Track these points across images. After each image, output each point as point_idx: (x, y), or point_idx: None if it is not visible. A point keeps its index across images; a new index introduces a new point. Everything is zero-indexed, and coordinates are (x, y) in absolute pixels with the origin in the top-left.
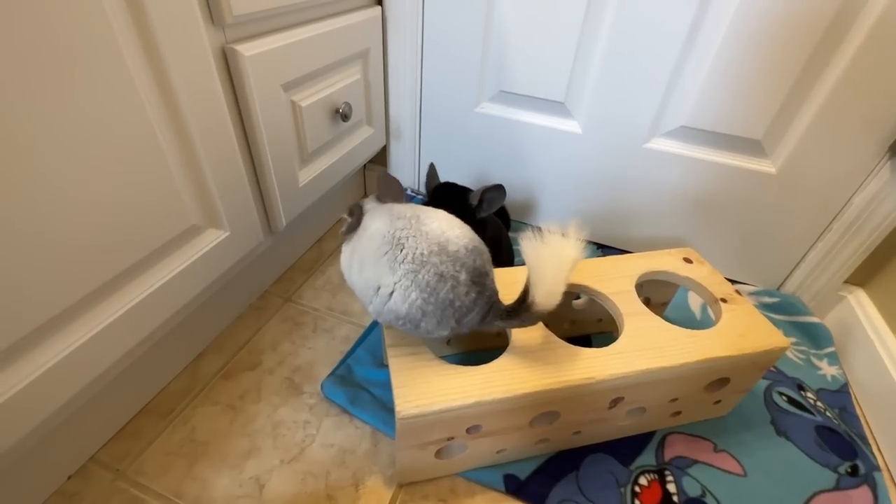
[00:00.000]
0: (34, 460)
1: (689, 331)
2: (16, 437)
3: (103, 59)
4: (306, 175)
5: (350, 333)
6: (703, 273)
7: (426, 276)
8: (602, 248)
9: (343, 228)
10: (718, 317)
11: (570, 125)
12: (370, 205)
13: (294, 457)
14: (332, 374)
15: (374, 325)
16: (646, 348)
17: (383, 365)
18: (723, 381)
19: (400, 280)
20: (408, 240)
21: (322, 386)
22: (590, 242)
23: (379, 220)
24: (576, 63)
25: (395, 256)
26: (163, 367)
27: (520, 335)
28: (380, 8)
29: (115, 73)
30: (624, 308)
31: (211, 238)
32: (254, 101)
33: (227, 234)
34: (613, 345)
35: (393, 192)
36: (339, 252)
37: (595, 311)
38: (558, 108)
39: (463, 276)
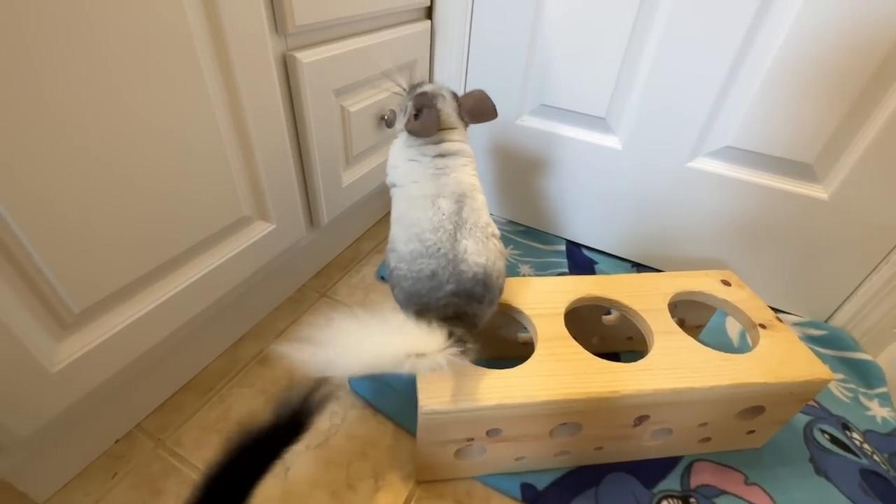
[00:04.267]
0: (89, 421)
1: (722, 353)
2: (79, 394)
3: (182, 60)
4: (349, 177)
5: None
6: (742, 297)
7: (426, 264)
8: (637, 267)
9: (413, 120)
10: (756, 342)
11: (611, 141)
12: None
13: (319, 444)
14: None
15: None
16: (675, 367)
17: None
18: (757, 410)
19: (412, 251)
20: (437, 232)
21: (349, 379)
22: (623, 260)
23: (443, 199)
24: (619, 79)
25: (421, 235)
26: (205, 347)
27: (546, 343)
28: (429, 22)
29: (191, 72)
30: (655, 325)
31: (259, 229)
32: (307, 105)
33: (273, 226)
34: (641, 361)
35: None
36: (375, 252)
37: (626, 328)
38: (599, 123)
39: (449, 288)
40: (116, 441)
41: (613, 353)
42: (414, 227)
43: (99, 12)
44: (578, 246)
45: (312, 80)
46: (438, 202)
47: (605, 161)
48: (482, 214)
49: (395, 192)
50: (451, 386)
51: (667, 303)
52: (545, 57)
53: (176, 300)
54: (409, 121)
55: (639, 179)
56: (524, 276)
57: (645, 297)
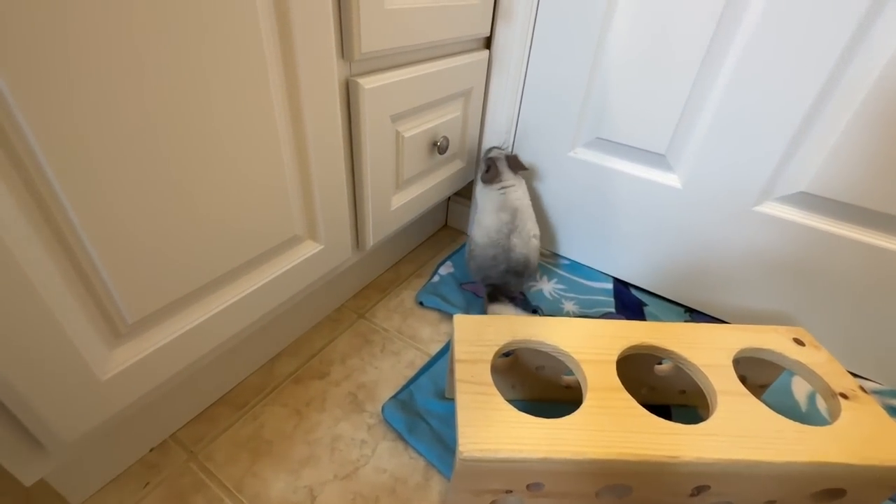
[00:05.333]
0: (128, 427)
1: (798, 424)
2: (124, 404)
3: (253, 82)
4: (398, 200)
5: (415, 359)
6: (818, 359)
7: (490, 251)
8: (690, 313)
9: (480, 174)
10: (836, 415)
11: (670, 179)
12: (503, 165)
13: (348, 474)
14: (393, 397)
15: (440, 354)
16: (743, 435)
17: (445, 398)
18: (836, 493)
19: (483, 242)
20: (499, 233)
21: (383, 408)
22: (675, 304)
23: (503, 212)
24: (683, 114)
25: (489, 233)
26: (243, 361)
27: (596, 393)
28: (488, 51)
29: (260, 95)
30: (718, 384)
31: (308, 249)
32: (365, 129)
33: (321, 247)
34: (704, 424)
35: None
36: (415, 277)
37: (679, 380)
38: (658, 159)
39: (503, 267)
40: (151, 449)
41: (663, 405)
42: (485, 227)
43: (181, 34)
44: (626, 285)
45: (372, 106)
46: (500, 214)
47: (662, 199)
48: (528, 223)
49: (474, 209)
50: (493, 432)
51: (731, 359)
52: (604, 90)
53: (223, 315)
54: (483, 173)
55: (698, 221)
56: (568, 313)
57: (706, 351)
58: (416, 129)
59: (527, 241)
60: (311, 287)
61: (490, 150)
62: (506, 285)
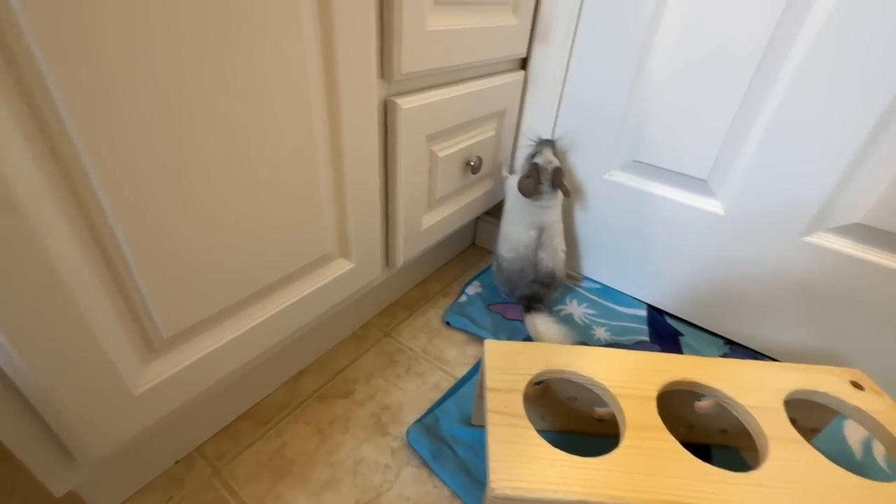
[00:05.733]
0: (155, 440)
1: (860, 479)
2: (155, 418)
3: (295, 102)
4: (430, 219)
5: (441, 382)
6: (879, 406)
7: (518, 264)
8: (730, 345)
9: (524, 179)
10: None
11: (711, 205)
12: (546, 180)
13: (370, 500)
14: (419, 421)
15: (466, 378)
16: (798, 489)
17: (471, 424)
18: None
19: (511, 257)
20: (527, 248)
21: (408, 432)
22: (714, 335)
23: (532, 229)
24: (728, 138)
25: (517, 247)
26: (267, 377)
27: (636, 432)
28: (523, 72)
29: (301, 114)
30: (769, 429)
31: (339, 267)
32: (401, 148)
33: (352, 265)
34: (754, 473)
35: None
36: (442, 296)
37: (721, 419)
38: (699, 185)
39: (530, 278)
40: (176, 462)
41: (703, 444)
42: (513, 241)
43: (230, 46)
44: (661, 313)
45: (409, 126)
46: (529, 231)
47: (703, 225)
48: (555, 239)
49: (505, 214)
50: (527, 469)
51: (782, 400)
52: (643, 113)
53: (255, 332)
54: (521, 178)
55: (742, 250)
56: (599, 339)
57: (755, 391)
58: (451, 148)
59: (553, 255)
60: (340, 305)
61: (539, 146)
62: (534, 295)
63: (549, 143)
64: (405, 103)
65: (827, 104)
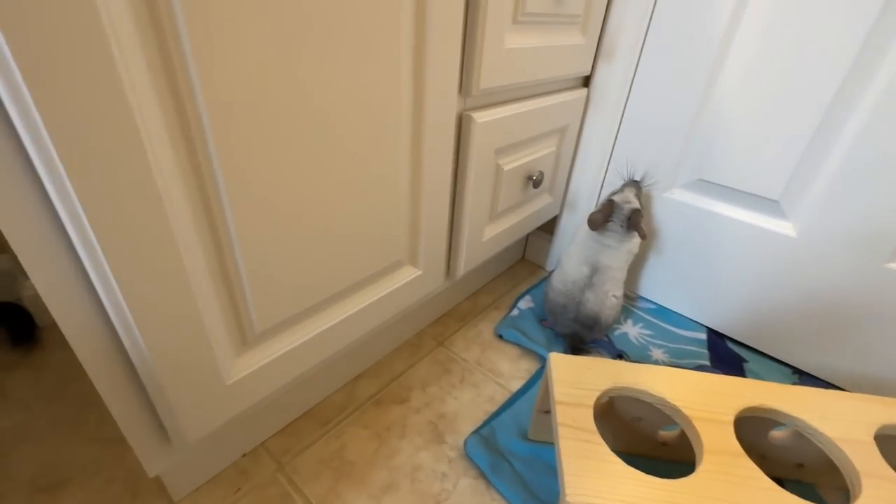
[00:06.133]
0: (227, 431)
1: None
2: (241, 408)
3: (388, 107)
4: (491, 231)
5: (495, 394)
6: None
7: (562, 298)
8: (799, 374)
9: (596, 213)
10: None
11: (783, 227)
12: (618, 220)
13: None
14: (476, 431)
15: (522, 392)
16: None
17: (528, 439)
18: None
19: (559, 289)
20: (576, 284)
21: (465, 442)
22: (781, 363)
23: (585, 266)
24: (804, 158)
25: (566, 281)
26: (328, 379)
27: (715, 457)
28: (586, 90)
29: (390, 121)
30: (860, 464)
31: (407, 274)
32: (472, 161)
33: (419, 272)
34: None
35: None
36: (493, 308)
37: (798, 451)
38: (770, 206)
39: (571, 316)
40: (244, 455)
41: (775, 478)
42: (565, 273)
43: (336, 61)
44: (723, 337)
45: (481, 139)
46: (581, 267)
47: (772, 249)
48: (608, 283)
49: (569, 245)
50: (603, 485)
51: (872, 433)
52: (711, 130)
53: (330, 332)
54: (595, 211)
55: (815, 274)
56: (657, 361)
57: (842, 423)
58: (515, 162)
59: (601, 299)
60: (406, 311)
61: (625, 185)
62: (575, 334)
63: (634, 184)
64: (480, 117)
65: None
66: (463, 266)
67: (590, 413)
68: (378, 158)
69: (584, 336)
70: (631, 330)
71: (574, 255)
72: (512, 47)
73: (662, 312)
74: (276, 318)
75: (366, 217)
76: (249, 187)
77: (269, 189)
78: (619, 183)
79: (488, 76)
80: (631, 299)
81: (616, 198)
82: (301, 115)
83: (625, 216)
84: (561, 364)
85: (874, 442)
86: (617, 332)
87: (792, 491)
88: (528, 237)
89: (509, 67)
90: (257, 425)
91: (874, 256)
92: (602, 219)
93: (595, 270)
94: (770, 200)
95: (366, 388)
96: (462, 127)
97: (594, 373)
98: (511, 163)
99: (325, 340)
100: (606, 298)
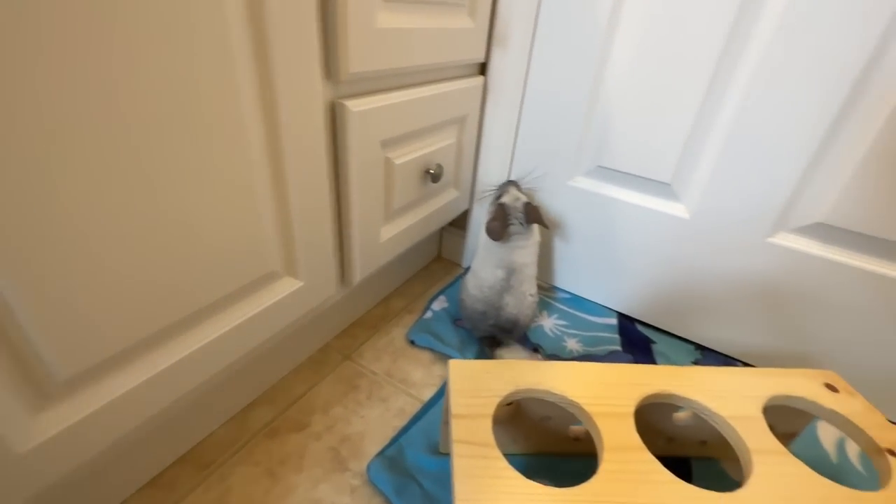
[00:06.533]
0: (67, 498)
1: (846, 490)
2: (55, 477)
3: (221, 99)
4: (388, 232)
5: (406, 406)
6: (855, 408)
7: (481, 305)
8: (701, 350)
9: (491, 222)
10: (886, 475)
11: (676, 209)
12: (516, 221)
13: None
14: (381, 453)
15: (433, 401)
16: None
17: (439, 452)
18: None
19: (475, 295)
20: (492, 289)
21: (368, 467)
22: (685, 341)
23: (499, 269)
24: (689, 142)
25: (482, 287)
26: (210, 413)
27: (614, 454)
28: (483, 78)
29: (228, 112)
30: (751, 441)
31: (286, 287)
32: (352, 156)
33: (301, 283)
34: (740, 492)
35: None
36: (406, 312)
37: (700, 430)
38: (663, 189)
39: (491, 322)
40: None
41: (683, 458)
42: (480, 279)
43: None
44: (632, 320)
45: (360, 130)
46: (497, 271)
47: (669, 230)
48: (525, 283)
49: (476, 253)
50: (498, 502)
51: (761, 408)
52: (605, 118)
53: (184, 364)
54: (487, 221)
55: (708, 252)
56: (571, 351)
57: (733, 400)
58: (408, 155)
59: (520, 301)
60: (289, 328)
61: (504, 186)
62: (494, 337)
63: (512, 183)
64: (355, 106)
65: (784, 104)
66: (359, 272)
67: (488, 424)
68: (219, 157)
69: (502, 339)
70: (546, 322)
71: (486, 259)
72: (385, 27)
73: (576, 301)
74: (92, 357)
75: (213, 227)
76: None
77: (64, 199)
78: (494, 188)
79: (358, 59)
80: (546, 290)
81: (505, 199)
82: (104, 115)
83: (521, 213)
84: (460, 372)
85: (762, 416)
86: (532, 327)
87: (698, 468)
88: (442, 234)
89: (384, 50)
90: (112, 483)
91: (757, 232)
92: (501, 226)
93: (511, 272)
94: (663, 184)
95: (259, 418)
96: (336, 117)
97: (494, 377)
98: (403, 156)
99: (180, 374)
100: (525, 299)
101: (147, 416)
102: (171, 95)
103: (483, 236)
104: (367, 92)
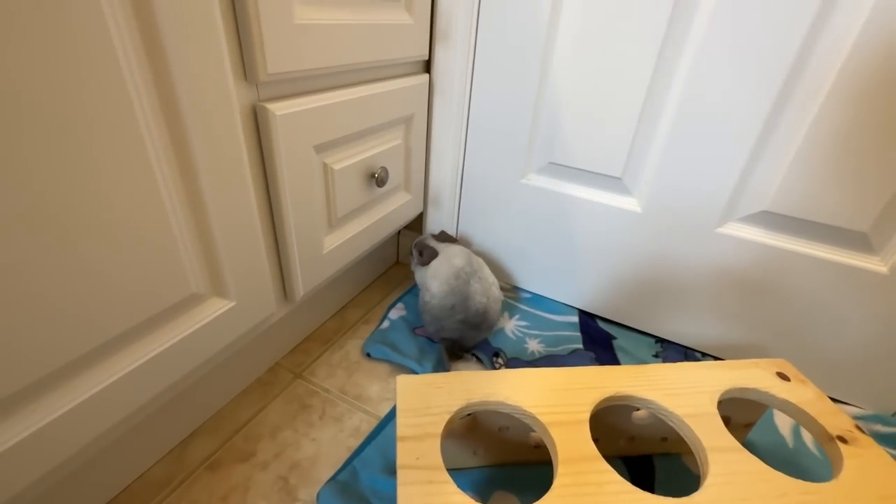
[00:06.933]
0: None
1: (800, 483)
2: None
3: (112, 110)
4: (332, 241)
5: (361, 425)
6: (806, 396)
7: (448, 300)
8: (661, 343)
9: (416, 261)
10: (838, 463)
11: (628, 203)
12: (433, 242)
13: None
14: (333, 478)
15: (389, 418)
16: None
17: (396, 472)
18: None
19: (442, 285)
20: (458, 279)
21: (318, 496)
22: (645, 334)
23: (456, 258)
24: (637, 136)
25: (449, 280)
26: (144, 448)
27: (569, 467)
28: (427, 76)
29: (121, 124)
30: (706, 439)
31: (213, 308)
32: (281, 163)
33: (232, 304)
34: (697, 496)
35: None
36: (363, 323)
37: (659, 427)
38: (615, 183)
39: (459, 317)
40: None
41: (644, 455)
42: (442, 276)
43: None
44: (593, 317)
45: (288, 135)
46: (453, 260)
47: (622, 225)
48: (484, 268)
49: (420, 283)
50: None
51: (715, 403)
52: (553, 113)
53: (102, 397)
54: (417, 259)
55: (661, 246)
56: (533, 353)
57: (688, 396)
58: (349, 160)
59: (487, 289)
60: (226, 351)
61: (416, 241)
62: (461, 339)
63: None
64: (280, 109)
65: (723, 97)
66: (302, 286)
67: (436, 444)
68: (112, 170)
69: (468, 340)
70: (508, 324)
71: (440, 262)
72: (305, 23)
73: (537, 300)
74: None
75: (107, 252)
76: None
77: None
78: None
79: (278, 58)
80: (507, 291)
81: (418, 240)
82: None
83: (436, 238)
84: (407, 388)
85: (717, 412)
86: (495, 329)
87: (660, 464)
88: (399, 238)
89: (307, 47)
90: None
91: (705, 223)
92: (431, 251)
93: (468, 257)
94: (614, 178)
95: (199, 450)
96: (259, 122)
97: (445, 392)
98: (343, 161)
99: (97, 409)
100: (490, 288)
101: (61, 458)
102: (49, 103)
103: (417, 272)
104: (296, 94)
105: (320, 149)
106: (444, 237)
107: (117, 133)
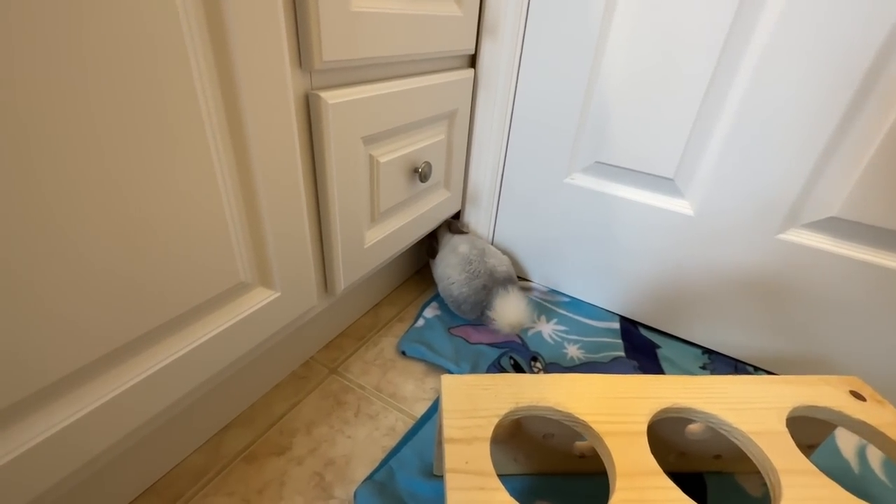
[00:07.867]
0: None
1: None
2: None
3: (175, 90)
4: (374, 236)
5: (397, 424)
6: (885, 419)
7: (476, 281)
8: (709, 354)
9: (430, 249)
10: None
11: (680, 205)
12: (447, 236)
13: None
14: (369, 478)
15: (426, 417)
16: None
17: (433, 475)
18: None
19: (462, 273)
20: (472, 263)
21: (356, 494)
22: (692, 345)
23: (462, 245)
24: (693, 135)
25: (466, 267)
26: (180, 439)
27: (628, 480)
28: (472, 70)
29: (184, 105)
30: (778, 460)
31: (259, 298)
32: (331, 153)
33: (277, 294)
34: None
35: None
36: (397, 321)
37: (714, 443)
38: (666, 185)
39: (490, 286)
40: None
41: (695, 473)
42: (455, 266)
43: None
44: (635, 324)
45: (339, 124)
46: (459, 248)
47: (673, 228)
48: (487, 246)
49: (437, 269)
50: None
51: (784, 421)
52: (602, 111)
53: (147, 385)
54: (428, 250)
55: (714, 251)
56: (573, 359)
57: (754, 412)
58: (394, 153)
59: (498, 258)
60: (268, 342)
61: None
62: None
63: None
64: (332, 98)
65: (792, 96)
66: (343, 280)
67: (486, 448)
68: (168, 159)
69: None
70: (545, 328)
71: (447, 256)
72: (360, 10)
73: (576, 305)
74: (23, 389)
75: (171, 236)
76: None
77: None
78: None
79: (332, 46)
80: (544, 294)
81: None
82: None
83: (448, 226)
84: (453, 388)
85: (787, 431)
86: (530, 333)
87: (712, 483)
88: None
89: (361, 36)
90: None
91: (766, 228)
92: (436, 242)
93: (470, 242)
94: (666, 179)
95: (235, 442)
96: (311, 110)
97: (492, 394)
98: (389, 154)
99: (135, 400)
100: (500, 256)
101: (104, 446)
102: (121, 93)
103: (432, 264)
104: (347, 83)
105: (368, 140)
106: (454, 228)
107: (182, 119)
